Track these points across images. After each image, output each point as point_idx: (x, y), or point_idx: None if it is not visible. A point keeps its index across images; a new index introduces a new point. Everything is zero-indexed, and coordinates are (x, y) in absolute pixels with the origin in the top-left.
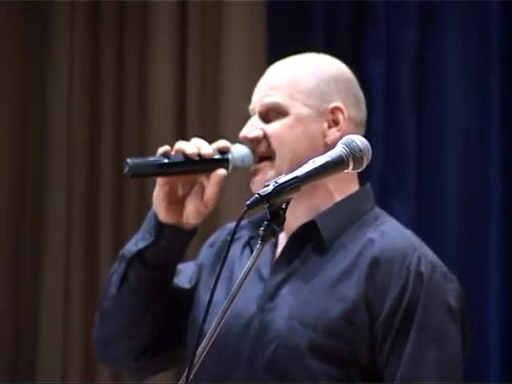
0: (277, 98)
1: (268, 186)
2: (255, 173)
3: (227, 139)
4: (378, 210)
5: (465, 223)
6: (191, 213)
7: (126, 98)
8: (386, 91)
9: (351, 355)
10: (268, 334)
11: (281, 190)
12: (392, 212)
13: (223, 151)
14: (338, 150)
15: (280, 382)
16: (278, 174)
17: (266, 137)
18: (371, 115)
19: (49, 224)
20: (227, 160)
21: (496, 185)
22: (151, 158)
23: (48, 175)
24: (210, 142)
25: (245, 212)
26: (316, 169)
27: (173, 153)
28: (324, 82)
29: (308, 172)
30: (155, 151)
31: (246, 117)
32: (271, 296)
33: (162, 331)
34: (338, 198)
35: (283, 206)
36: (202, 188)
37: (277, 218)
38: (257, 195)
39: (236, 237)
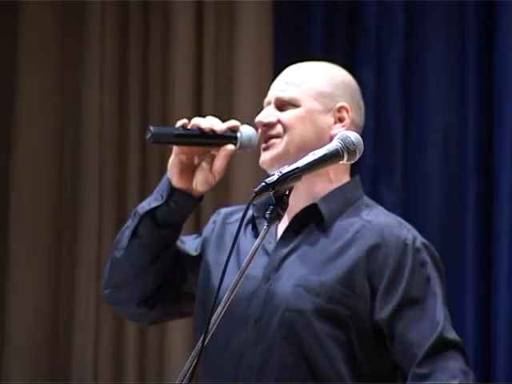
0: (292, 92)
1: (273, 175)
2: (266, 148)
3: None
4: (366, 198)
5: (444, 209)
6: (200, 181)
7: (151, 90)
8: (376, 94)
9: (351, 319)
10: (275, 300)
11: (285, 178)
12: (381, 199)
13: (234, 129)
14: (335, 144)
15: (287, 342)
16: (286, 152)
17: (279, 122)
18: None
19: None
20: (236, 137)
21: (471, 176)
22: (169, 129)
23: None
24: (223, 121)
25: (253, 198)
26: (315, 160)
27: (189, 126)
28: (334, 85)
29: (308, 163)
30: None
31: (257, 102)
32: (276, 267)
33: (162, 286)
34: (334, 186)
35: (286, 193)
36: (212, 160)
37: (281, 203)
38: (264, 183)
39: (238, 216)
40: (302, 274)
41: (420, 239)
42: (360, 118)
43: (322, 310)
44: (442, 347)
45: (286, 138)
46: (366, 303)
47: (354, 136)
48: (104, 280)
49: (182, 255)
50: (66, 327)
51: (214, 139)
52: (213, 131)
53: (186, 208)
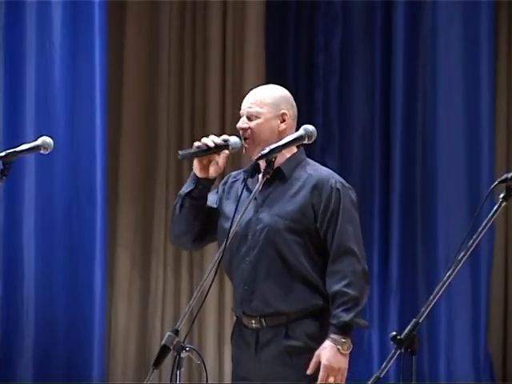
0: (255, 108)
1: (265, 150)
2: (245, 145)
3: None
4: (308, 159)
5: (361, 170)
6: (212, 172)
7: (186, 84)
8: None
9: (305, 231)
10: (261, 223)
11: (271, 152)
12: (326, 164)
13: (225, 140)
14: (300, 132)
15: (270, 248)
16: (255, 146)
17: (249, 128)
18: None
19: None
20: (228, 145)
21: (377, 152)
22: (190, 150)
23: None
24: (219, 135)
25: (254, 162)
26: (289, 141)
27: (200, 144)
28: (277, 99)
29: (285, 143)
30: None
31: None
32: (261, 204)
33: (202, 230)
34: (288, 156)
35: (273, 160)
36: (216, 160)
37: (271, 165)
38: (260, 154)
39: (237, 178)
40: (275, 208)
41: (340, 182)
42: (294, 112)
43: (289, 227)
44: (339, 253)
45: (254, 139)
46: (312, 222)
47: (311, 127)
48: (170, 233)
49: (209, 208)
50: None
51: (216, 149)
52: (215, 144)
53: (207, 187)
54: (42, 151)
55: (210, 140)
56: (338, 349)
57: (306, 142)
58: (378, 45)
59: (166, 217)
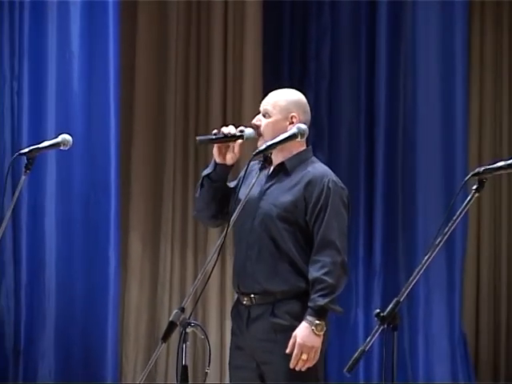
0: (268, 108)
1: (263, 146)
2: (259, 138)
3: None
4: (314, 158)
5: (349, 166)
6: (228, 158)
7: (191, 77)
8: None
9: (295, 220)
10: (260, 210)
11: (268, 148)
12: (320, 160)
13: (241, 131)
14: (294, 130)
15: (263, 233)
16: (264, 142)
17: (261, 125)
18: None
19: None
20: (242, 136)
21: (362, 144)
22: (208, 136)
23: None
24: (236, 126)
25: (252, 157)
26: (283, 139)
27: (217, 131)
28: (289, 103)
29: (280, 140)
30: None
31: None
32: (263, 192)
33: (220, 207)
34: (294, 153)
35: (269, 155)
36: (233, 148)
37: (268, 160)
38: (258, 150)
39: (253, 168)
40: (273, 198)
41: (333, 181)
42: (307, 117)
43: (281, 216)
44: (321, 246)
45: (264, 134)
46: (303, 214)
47: (303, 126)
48: (194, 209)
49: (229, 190)
50: None
51: (231, 138)
52: (230, 134)
53: (224, 172)
54: (61, 147)
55: (227, 129)
56: (313, 329)
57: (298, 139)
58: (363, 53)
59: (173, 206)
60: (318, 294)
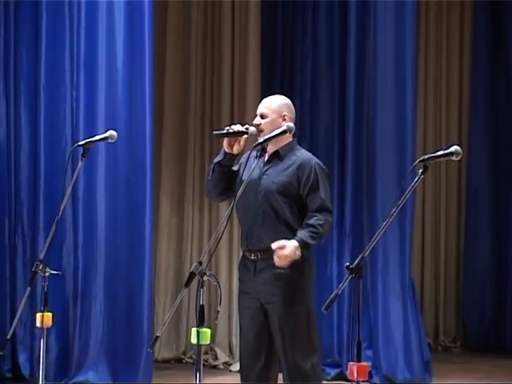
0: (265, 111)
1: (260, 139)
2: (259, 135)
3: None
4: (299, 146)
5: (328, 153)
6: (235, 149)
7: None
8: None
9: (290, 193)
10: (261, 187)
11: (266, 140)
12: (303, 147)
13: (247, 128)
14: (284, 127)
15: (266, 204)
16: (264, 136)
17: (260, 124)
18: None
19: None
20: (247, 132)
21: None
22: (222, 131)
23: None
24: (242, 124)
25: (253, 148)
26: (277, 134)
27: (229, 128)
28: (281, 105)
29: (274, 135)
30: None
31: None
32: (263, 173)
33: (226, 187)
34: (285, 142)
35: (266, 146)
36: (240, 141)
37: (264, 149)
38: (257, 142)
39: (252, 154)
40: (272, 177)
41: (318, 163)
42: (293, 115)
43: (279, 190)
44: (320, 209)
45: (263, 130)
46: (297, 189)
47: (291, 124)
48: (204, 188)
49: (234, 173)
50: None
51: (239, 133)
52: (238, 130)
53: (231, 160)
54: (109, 140)
55: (236, 127)
56: (296, 248)
57: (288, 134)
58: (337, 70)
59: (193, 181)
60: (310, 234)
